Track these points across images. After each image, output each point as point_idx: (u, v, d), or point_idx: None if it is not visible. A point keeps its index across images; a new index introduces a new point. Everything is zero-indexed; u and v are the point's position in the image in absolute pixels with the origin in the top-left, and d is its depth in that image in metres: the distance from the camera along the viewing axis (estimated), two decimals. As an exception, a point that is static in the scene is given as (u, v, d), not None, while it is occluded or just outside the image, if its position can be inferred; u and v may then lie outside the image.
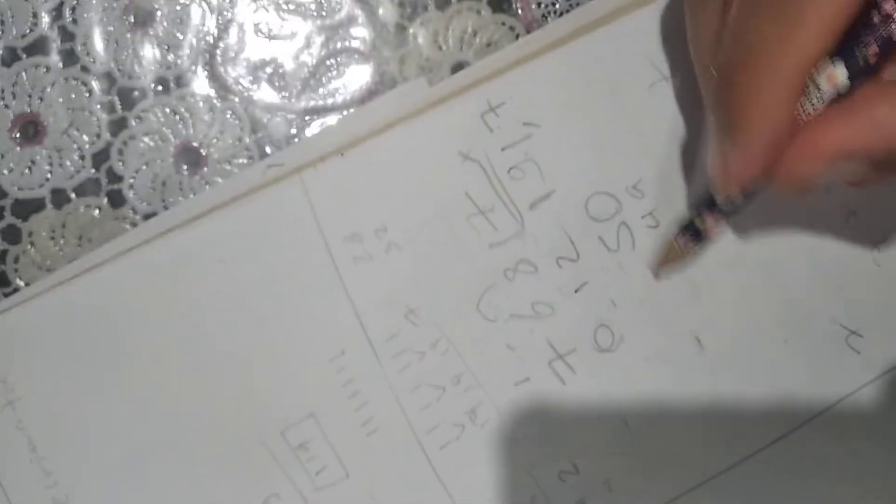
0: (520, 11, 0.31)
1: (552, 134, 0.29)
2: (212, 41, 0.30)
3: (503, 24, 0.31)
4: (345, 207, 0.29)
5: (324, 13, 0.30)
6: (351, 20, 0.31)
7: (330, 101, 0.30)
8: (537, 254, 0.29)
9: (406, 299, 0.29)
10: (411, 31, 0.31)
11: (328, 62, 0.31)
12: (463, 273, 0.29)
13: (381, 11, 0.30)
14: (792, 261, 0.29)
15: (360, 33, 0.31)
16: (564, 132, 0.29)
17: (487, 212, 0.29)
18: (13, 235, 0.30)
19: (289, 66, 0.31)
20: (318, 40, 0.31)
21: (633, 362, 0.29)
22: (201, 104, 0.30)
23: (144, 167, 0.30)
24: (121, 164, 0.30)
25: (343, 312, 0.29)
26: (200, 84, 0.30)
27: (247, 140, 0.30)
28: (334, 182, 0.29)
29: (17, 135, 0.30)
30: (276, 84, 0.30)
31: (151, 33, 0.30)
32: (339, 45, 0.31)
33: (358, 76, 0.31)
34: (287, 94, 0.30)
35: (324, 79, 0.30)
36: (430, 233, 0.29)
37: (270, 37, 0.31)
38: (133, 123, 0.30)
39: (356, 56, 0.31)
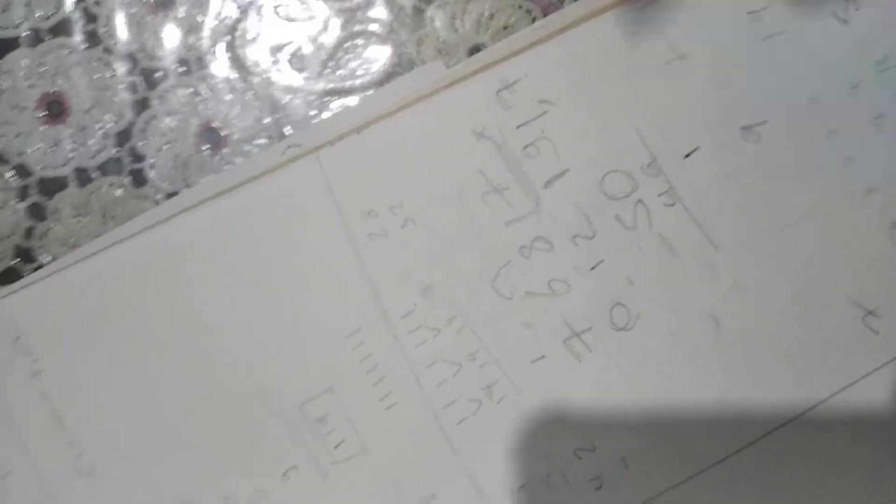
0: (536, -7, 0.31)
1: (568, 112, 0.30)
2: (231, 23, 0.31)
3: (520, 7, 0.31)
4: (361, 184, 0.29)
5: (342, -5, 0.31)
6: (369, 3, 0.31)
7: (348, 83, 0.31)
8: (553, 232, 0.30)
9: (421, 276, 0.29)
10: (428, 13, 0.31)
11: (346, 45, 0.31)
12: (478, 250, 0.29)
13: (398, -7, 0.31)
14: (808, 239, 0.29)
15: (379, 15, 0.31)
16: (580, 110, 0.30)
17: (502, 189, 0.30)
18: (39, 212, 0.30)
19: (307, 48, 0.31)
20: (337, 23, 0.31)
21: (649, 341, 0.29)
22: (221, 85, 0.31)
23: (166, 147, 0.31)
24: (143, 143, 0.31)
25: (359, 288, 0.29)
26: (221, 65, 0.31)
27: (266, 121, 0.30)
28: (351, 160, 0.29)
29: (43, 114, 0.30)
30: (296, 66, 0.31)
31: (172, 15, 0.31)
32: (357, 27, 0.31)
33: (376, 58, 0.31)
34: (306, 76, 0.31)
35: (342, 61, 0.31)
36: (446, 210, 0.29)
37: (289, 19, 0.31)
38: (155, 104, 0.31)
39: (374, 38, 0.31)
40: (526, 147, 0.30)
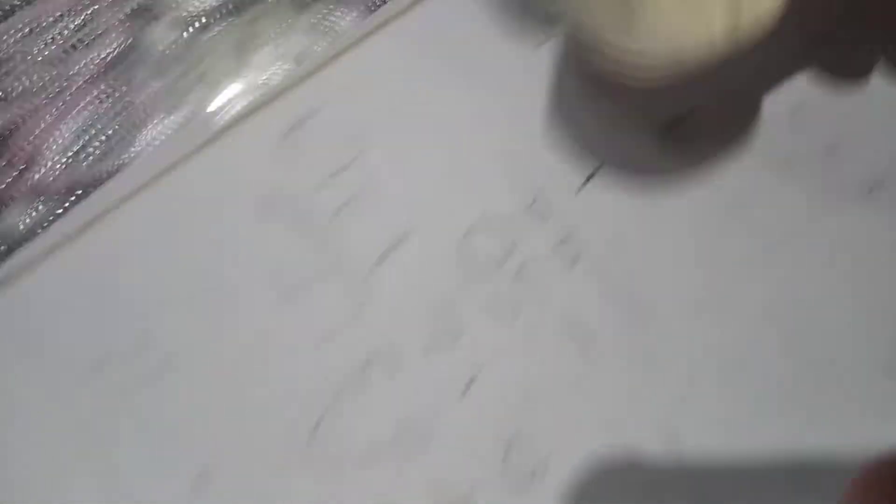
0: None
1: (395, 144, 0.19)
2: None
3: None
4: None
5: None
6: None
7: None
8: (392, 345, 0.18)
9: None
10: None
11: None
12: (287, 401, 0.18)
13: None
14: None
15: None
16: (412, 138, 0.19)
17: (307, 287, 0.18)
18: None
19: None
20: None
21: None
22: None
23: None
24: None
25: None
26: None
27: None
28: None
29: None
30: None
31: None
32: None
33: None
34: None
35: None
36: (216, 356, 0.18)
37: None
38: None
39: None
40: (339, 211, 0.19)
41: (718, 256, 0.18)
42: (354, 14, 0.21)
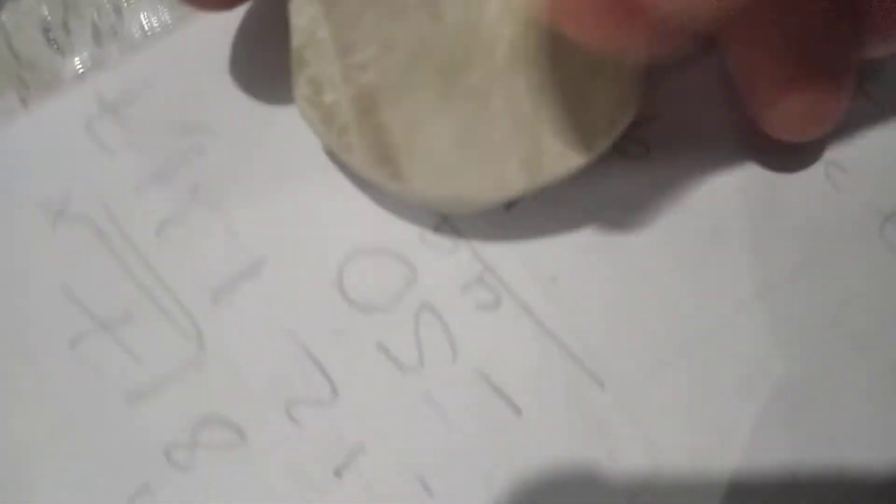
0: None
1: (238, 139, 0.14)
2: None
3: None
4: None
5: None
6: None
7: None
8: (246, 409, 0.13)
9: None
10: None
11: None
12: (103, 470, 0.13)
13: None
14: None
15: None
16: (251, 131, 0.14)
17: (122, 325, 0.13)
18: None
19: None
20: None
21: None
22: None
23: None
24: None
25: None
26: None
27: None
28: None
29: None
30: None
31: None
32: None
33: None
34: None
35: None
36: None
37: None
38: None
39: None
40: (159, 231, 0.14)
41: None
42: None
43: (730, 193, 0.14)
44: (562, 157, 0.12)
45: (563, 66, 0.12)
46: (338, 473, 0.13)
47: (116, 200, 0.14)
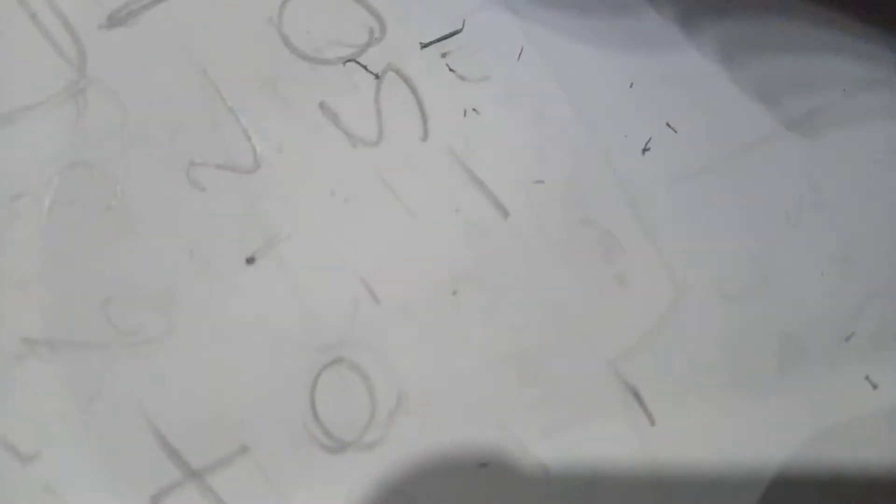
0: None
1: None
2: None
3: None
4: None
5: None
6: None
7: None
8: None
9: None
10: None
11: None
12: None
13: None
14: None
15: None
16: None
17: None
18: None
19: None
20: None
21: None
22: None
23: None
24: None
25: None
26: None
27: None
28: None
29: None
30: None
31: None
32: None
33: None
34: None
35: None
36: None
37: None
38: None
39: None
40: None
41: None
42: None
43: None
44: None
45: None
46: (250, 261, 0.09)
47: None
